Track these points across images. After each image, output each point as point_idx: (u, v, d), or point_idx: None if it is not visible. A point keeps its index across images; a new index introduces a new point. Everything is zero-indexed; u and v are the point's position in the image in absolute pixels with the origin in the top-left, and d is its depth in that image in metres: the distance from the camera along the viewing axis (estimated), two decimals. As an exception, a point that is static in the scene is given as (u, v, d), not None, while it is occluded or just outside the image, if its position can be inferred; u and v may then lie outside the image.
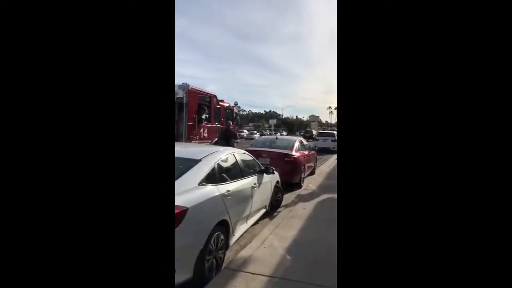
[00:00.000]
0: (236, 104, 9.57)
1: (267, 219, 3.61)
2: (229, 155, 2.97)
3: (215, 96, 7.90)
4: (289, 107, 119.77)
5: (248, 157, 3.55)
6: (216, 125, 7.89)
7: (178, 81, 6.76)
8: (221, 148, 3.13)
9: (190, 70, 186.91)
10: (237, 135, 7.36)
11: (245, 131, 39.26)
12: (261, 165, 3.69)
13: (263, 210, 3.58)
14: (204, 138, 7.35)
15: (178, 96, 6.52)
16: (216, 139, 7.41)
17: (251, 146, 6.49)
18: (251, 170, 3.36)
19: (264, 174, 3.54)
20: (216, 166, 2.52)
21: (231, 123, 7.47)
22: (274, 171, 3.83)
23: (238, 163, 3.08)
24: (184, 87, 6.70)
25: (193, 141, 6.73)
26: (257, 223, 3.40)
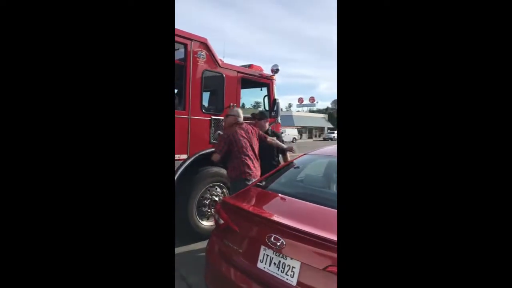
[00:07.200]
0: (276, 70, 4.25)
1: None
2: None
3: (205, 41, 3.38)
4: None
5: None
6: (205, 116, 3.52)
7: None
8: None
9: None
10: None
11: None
12: None
13: None
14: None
15: None
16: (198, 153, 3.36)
17: (266, 185, 2.21)
18: None
19: None
20: None
21: (238, 112, 3.08)
22: None
23: None
24: None
25: None
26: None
